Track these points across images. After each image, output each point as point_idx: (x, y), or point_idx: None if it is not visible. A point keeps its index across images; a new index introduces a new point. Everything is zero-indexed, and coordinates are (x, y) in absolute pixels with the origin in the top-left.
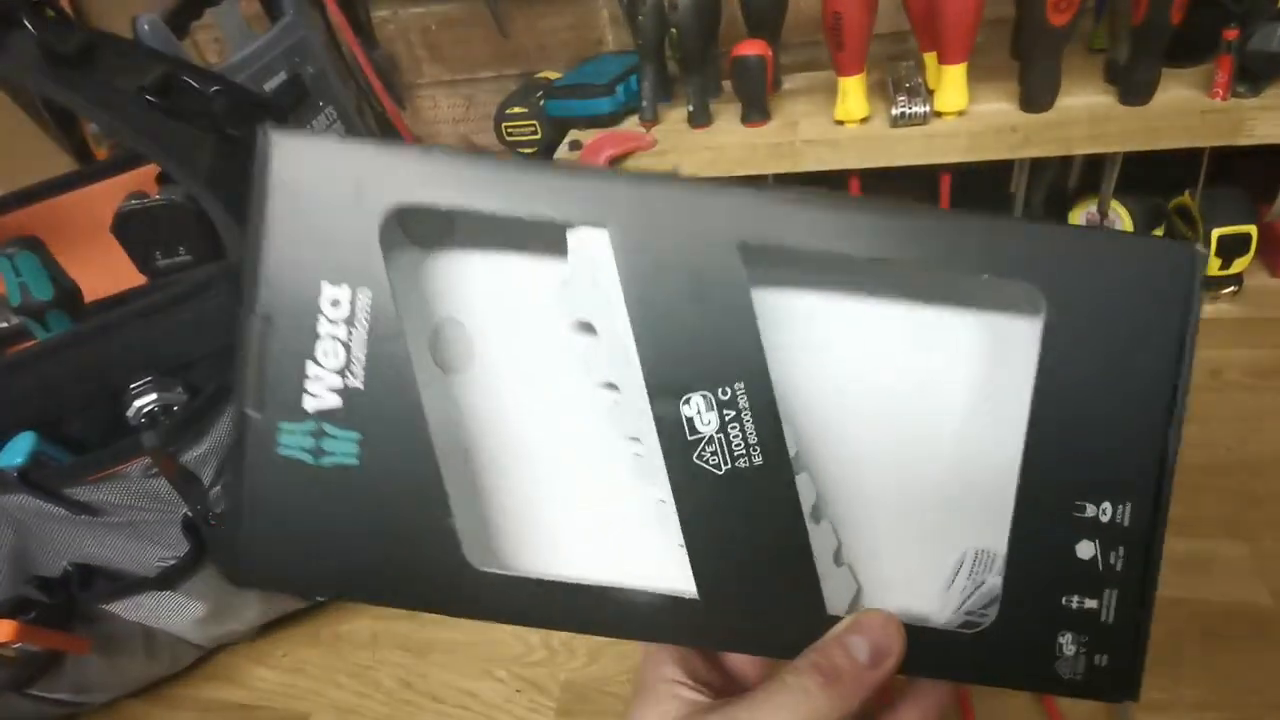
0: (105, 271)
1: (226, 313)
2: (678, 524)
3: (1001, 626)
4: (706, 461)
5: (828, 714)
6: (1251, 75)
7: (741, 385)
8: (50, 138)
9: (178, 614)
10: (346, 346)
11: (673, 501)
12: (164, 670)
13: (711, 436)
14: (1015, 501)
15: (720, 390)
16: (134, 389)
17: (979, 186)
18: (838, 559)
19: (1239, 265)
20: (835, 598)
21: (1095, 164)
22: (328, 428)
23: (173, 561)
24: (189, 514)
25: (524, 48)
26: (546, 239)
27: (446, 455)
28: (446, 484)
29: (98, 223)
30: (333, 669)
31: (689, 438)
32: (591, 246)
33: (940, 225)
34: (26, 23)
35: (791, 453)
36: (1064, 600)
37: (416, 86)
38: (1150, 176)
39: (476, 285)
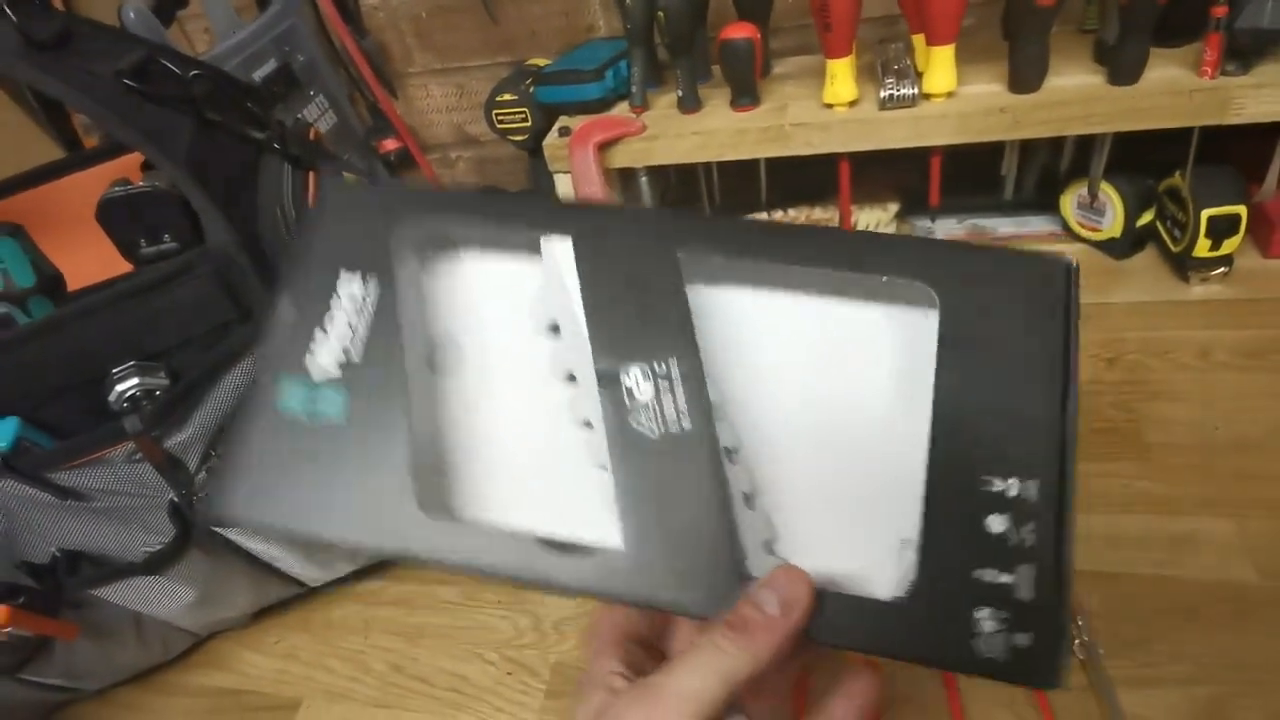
0: (96, 259)
1: (207, 298)
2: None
3: (917, 598)
4: (643, 425)
5: (740, 665)
6: (1241, 53)
7: (675, 359)
8: (40, 127)
9: (166, 600)
10: (353, 328)
11: (611, 467)
12: (156, 657)
13: (647, 403)
14: (926, 473)
15: (656, 363)
16: (115, 374)
17: (970, 170)
18: (770, 549)
19: (1229, 246)
20: None
21: (1087, 146)
22: (325, 390)
23: (159, 547)
24: (174, 499)
25: (515, 35)
26: (526, 244)
27: (420, 429)
28: (411, 443)
29: (85, 210)
30: (324, 654)
31: (627, 404)
32: (558, 252)
33: (837, 242)
34: (6, 9)
35: (730, 445)
36: (975, 573)
37: (408, 75)
38: (1142, 157)
39: (468, 288)
